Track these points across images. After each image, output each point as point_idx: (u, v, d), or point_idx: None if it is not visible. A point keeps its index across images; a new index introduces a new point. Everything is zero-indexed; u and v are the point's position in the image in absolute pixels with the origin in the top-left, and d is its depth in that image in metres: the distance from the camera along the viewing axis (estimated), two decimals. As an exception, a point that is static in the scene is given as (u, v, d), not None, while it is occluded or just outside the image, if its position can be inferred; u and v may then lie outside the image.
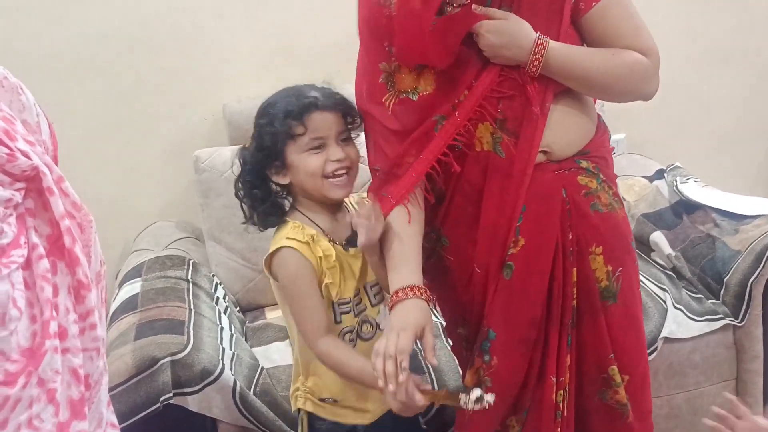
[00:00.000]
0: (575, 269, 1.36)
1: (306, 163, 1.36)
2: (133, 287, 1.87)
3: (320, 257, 1.37)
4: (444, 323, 1.63)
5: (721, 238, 1.98)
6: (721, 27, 2.65)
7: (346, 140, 1.41)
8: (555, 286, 1.36)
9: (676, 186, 2.23)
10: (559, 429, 1.41)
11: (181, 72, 2.24)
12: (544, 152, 1.34)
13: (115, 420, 0.93)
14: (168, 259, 1.99)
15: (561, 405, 1.40)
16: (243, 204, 1.45)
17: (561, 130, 1.34)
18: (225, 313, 1.90)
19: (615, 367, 1.40)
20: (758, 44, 2.72)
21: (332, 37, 2.25)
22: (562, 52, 1.28)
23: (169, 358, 1.56)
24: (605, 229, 1.38)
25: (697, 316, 1.89)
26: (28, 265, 0.78)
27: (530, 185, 1.33)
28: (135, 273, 1.95)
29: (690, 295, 1.96)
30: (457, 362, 1.71)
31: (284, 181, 1.40)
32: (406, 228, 1.34)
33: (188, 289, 1.85)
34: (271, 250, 1.40)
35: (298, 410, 1.50)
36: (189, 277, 1.92)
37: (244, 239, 2.04)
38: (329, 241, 1.40)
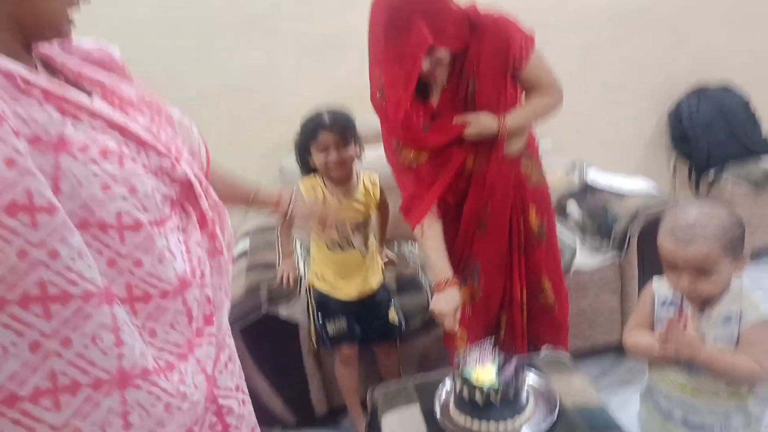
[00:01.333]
0: (521, 220, 1.48)
1: (317, 158, 1.61)
2: (245, 243, 2.01)
3: (313, 197, 1.62)
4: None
5: (611, 206, 2.04)
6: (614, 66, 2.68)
7: (345, 146, 1.60)
8: (513, 232, 1.48)
9: (583, 173, 2.29)
10: (523, 317, 1.55)
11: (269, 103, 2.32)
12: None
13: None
14: (265, 227, 2.11)
15: (522, 304, 1.54)
16: (297, 158, 1.71)
17: (514, 143, 1.44)
18: (301, 258, 1.97)
19: (546, 279, 1.53)
20: (641, 82, 2.74)
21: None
22: (515, 120, 1.38)
23: (266, 286, 1.69)
24: (536, 195, 1.49)
25: (595, 256, 1.97)
26: (185, 231, 0.83)
27: (494, 173, 1.42)
28: (245, 234, 2.09)
29: (592, 241, 2.04)
30: None
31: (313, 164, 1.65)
32: (437, 241, 1.45)
33: (277, 243, 1.91)
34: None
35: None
36: (278, 235, 1.97)
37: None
38: (328, 193, 1.64)
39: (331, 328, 1.68)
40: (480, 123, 1.37)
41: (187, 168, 0.84)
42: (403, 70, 1.25)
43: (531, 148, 1.50)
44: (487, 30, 1.31)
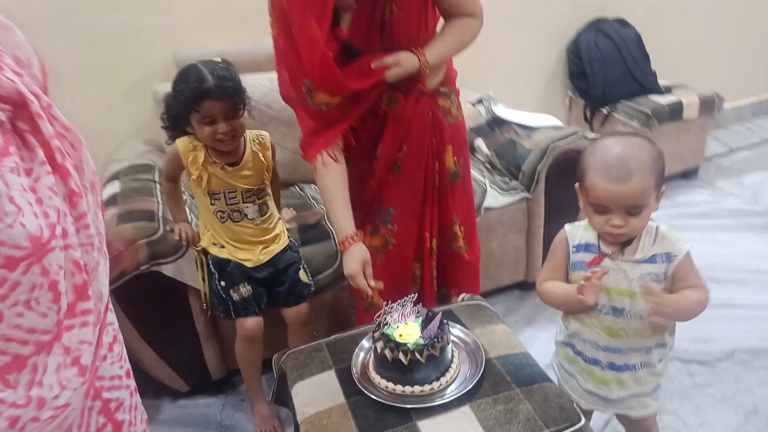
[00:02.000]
0: (437, 162, 1.36)
1: (201, 131, 1.35)
2: (114, 187, 1.69)
3: (190, 160, 1.39)
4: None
5: (520, 141, 1.99)
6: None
7: (233, 116, 1.35)
8: (428, 174, 1.35)
9: (491, 108, 2.22)
10: (434, 263, 1.45)
11: (139, 25, 1.97)
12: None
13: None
14: (139, 167, 1.81)
15: (433, 250, 1.44)
16: (164, 121, 1.42)
17: (433, 77, 1.30)
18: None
19: (457, 225, 1.44)
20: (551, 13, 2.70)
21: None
22: (434, 53, 1.24)
23: (145, 240, 1.44)
24: (453, 133, 1.37)
25: (505, 192, 1.92)
26: (29, 172, 0.65)
27: (411, 111, 1.29)
28: (114, 176, 1.76)
29: (501, 180, 1.98)
30: None
31: (190, 130, 1.38)
32: (339, 187, 1.29)
33: (155, 188, 1.70)
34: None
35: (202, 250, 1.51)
36: (155, 179, 1.75)
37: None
38: (211, 160, 1.40)
39: (236, 295, 1.47)
40: (402, 64, 1.22)
41: (16, 79, 0.64)
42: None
43: (449, 81, 1.37)
44: None
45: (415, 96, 1.29)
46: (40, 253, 0.62)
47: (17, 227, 0.59)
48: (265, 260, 1.50)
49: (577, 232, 1.13)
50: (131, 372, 0.83)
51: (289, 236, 1.59)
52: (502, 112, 2.18)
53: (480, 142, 2.13)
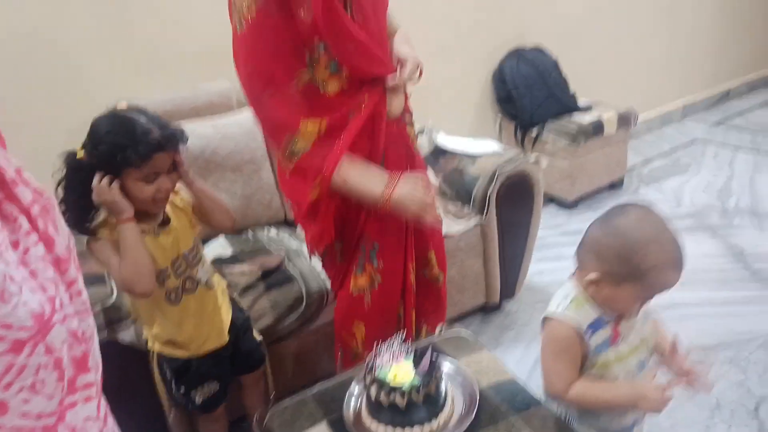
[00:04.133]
0: None
1: (141, 190, 1.14)
2: None
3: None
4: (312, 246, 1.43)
5: (465, 169, 2.04)
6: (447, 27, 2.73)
7: (174, 169, 1.19)
8: None
9: (433, 138, 2.27)
10: (413, 298, 1.42)
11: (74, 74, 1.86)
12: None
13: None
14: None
15: (413, 284, 1.41)
16: (65, 208, 1.12)
17: (396, 102, 1.30)
18: None
19: (431, 252, 1.44)
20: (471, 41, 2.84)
21: (192, 46, 2.01)
22: (412, 50, 1.32)
23: (100, 305, 1.35)
24: (421, 162, 1.41)
25: (459, 219, 1.95)
26: (17, 245, 0.60)
27: (387, 136, 1.28)
28: None
29: (453, 207, 2.01)
30: (321, 270, 1.57)
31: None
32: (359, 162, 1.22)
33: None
34: (87, 240, 1.17)
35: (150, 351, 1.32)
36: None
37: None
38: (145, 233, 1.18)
39: (200, 395, 1.32)
40: (412, 63, 1.26)
41: None
42: None
43: (407, 109, 1.39)
44: None
45: (386, 123, 1.27)
46: (44, 330, 0.58)
47: (21, 308, 0.56)
48: (225, 332, 1.35)
49: (576, 314, 1.03)
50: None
51: (229, 291, 1.44)
52: (444, 141, 2.24)
53: (428, 172, 2.16)
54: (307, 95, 1.19)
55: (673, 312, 2.02)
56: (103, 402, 0.74)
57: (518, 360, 1.90)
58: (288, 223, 2.01)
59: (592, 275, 0.99)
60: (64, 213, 1.04)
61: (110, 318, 1.35)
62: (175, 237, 1.24)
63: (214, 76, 1.94)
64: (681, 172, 3.18)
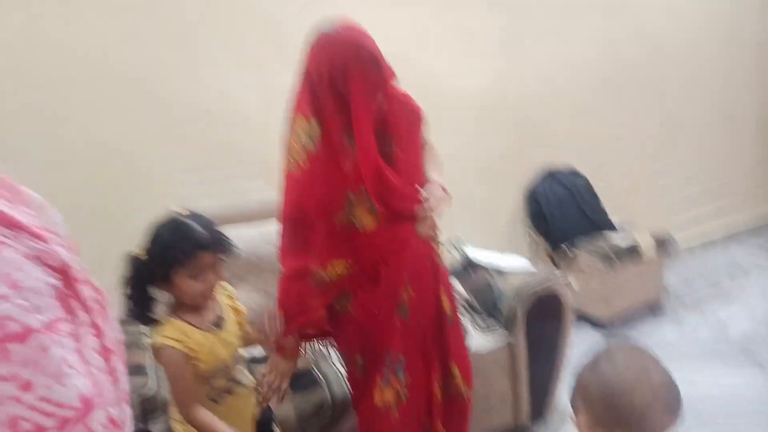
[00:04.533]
0: (439, 304, 1.42)
1: (188, 286, 1.23)
2: None
3: (192, 347, 1.24)
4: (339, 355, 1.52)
5: (495, 284, 2.07)
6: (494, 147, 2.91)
7: (220, 266, 1.29)
8: (433, 318, 1.40)
9: (463, 251, 2.35)
10: (438, 410, 1.43)
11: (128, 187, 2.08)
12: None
13: None
14: (124, 320, 1.78)
15: (438, 396, 1.42)
16: (128, 302, 1.23)
17: (432, 225, 1.42)
18: None
19: (454, 364, 1.45)
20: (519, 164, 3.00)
21: (247, 156, 2.21)
22: (439, 175, 1.46)
23: (137, 396, 1.41)
24: (444, 276, 1.46)
25: (488, 338, 1.94)
26: (74, 335, 0.68)
27: (415, 255, 1.36)
28: None
29: (480, 320, 2.02)
30: (344, 378, 1.62)
31: (165, 291, 1.25)
32: None
33: (144, 340, 1.62)
34: (151, 343, 1.25)
35: None
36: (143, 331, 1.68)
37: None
38: (197, 329, 1.26)
39: None
40: (439, 197, 1.38)
41: (61, 250, 0.70)
42: (370, 108, 1.19)
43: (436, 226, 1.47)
44: (396, 98, 1.34)
45: (416, 240, 1.37)
46: (87, 412, 0.64)
47: (72, 389, 0.63)
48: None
49: None
50: None
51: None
52: (474, 254, 2.31)
53: (457, 284, 2.20)
54: (344, 234, 1.30)
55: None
56: None
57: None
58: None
59: (582, 419, 0.98)
60: (128, 307, 1.21)
61: (145, 408, 1.40)
62: (228, 339, 1.31)
63: (263, 185, 2.13)
64: (724, 299, 3.10)
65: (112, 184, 2.05)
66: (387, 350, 1.35)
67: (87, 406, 0.65)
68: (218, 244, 1.27)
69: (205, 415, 1.25)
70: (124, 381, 0.78)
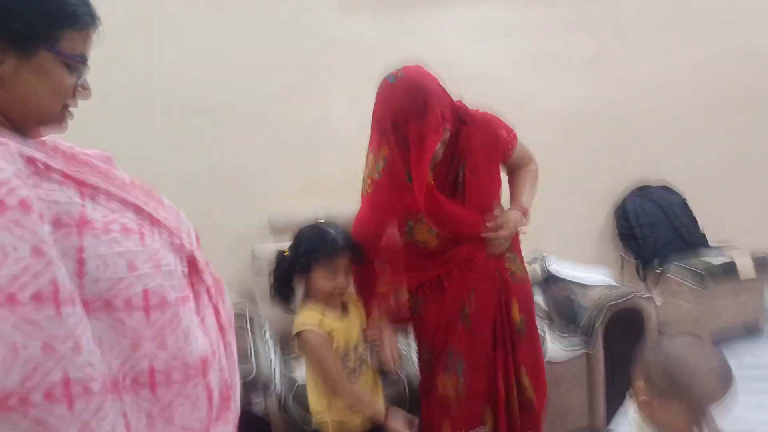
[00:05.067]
0: (506, 316, 1.50)
1: (323, 283, 1.43)
2: None
3: (329, 330, 1.42)
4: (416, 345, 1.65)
5: (576, 298, 2.12)
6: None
7: (349, 271, 1.47)
8: (497, 328, 1.49)
9: (545, 266, 2.40)
10: (508, 415, 1.53)
11: (238, 193, 2.35)
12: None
13: None
14: (234, 315, 2.02)
15: (514, 398, 1.52)
16: (273, 291, 1.50)
17: (503, 244, 1.51)
18: (272, 349, 1.95)
19: (525, 376, 1.53)
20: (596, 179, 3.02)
21: (347, 174, 2.40)
22: (527, 201, 1.55)
23: (241, 379, 1.64)
24: (518, 290, 1.53)
25: (565, 348, 2.01)
26: (199, 312, 0.83)
27: (479, 270, 1.48)
28: None
29: (560, 334, 2.08)
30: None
31: (303, 284, 1.47)
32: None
33: (247, 334, 1.88)
34: (294, 333, 1.43)
35: None
36: (247, 326, 1.95)
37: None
38: (328, 316, 1.44)
39: None
40: (512, 222, 1.49)
41: (189, 244, 0.85)
42: (424, 150, 1.31)
43: (514, 245, 1.57)
44: (476, 123, 1.46)
45: (483, 257, 1.49)
46: (206, 370, 0.79)
47: (195, 352, 0.78)
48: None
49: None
50: None
51: None
52: (557, 269, 2.35)
53: (538, 296, 2.27)
54: (407, 247, 1.48)
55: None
56: None
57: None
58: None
59: (644, 396, 1.07)
60: (272, 293, 1.49)
61: (247, 390, 1.59)
62: (353, 324, 1.51)
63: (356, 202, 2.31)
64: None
65: (222, 199, 2.33)
66: (450, 348, 1.49)
67: (205, 367, 0.80)
68: (353, 250, 1.48)
69: (356, 389, 1.47)
70: (235, 353, 0.94)
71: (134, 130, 2.15)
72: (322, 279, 1.44)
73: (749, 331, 2.85)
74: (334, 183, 2.25)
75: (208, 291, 0.87)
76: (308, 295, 1.48)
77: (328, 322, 1.44)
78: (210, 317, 0.86)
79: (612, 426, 1.16)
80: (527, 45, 2.74)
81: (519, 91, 2.70)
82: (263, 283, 2.13)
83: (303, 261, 1.43)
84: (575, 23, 2.81)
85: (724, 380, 1.02)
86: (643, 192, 2.99)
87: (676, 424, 1.06)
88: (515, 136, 1.54)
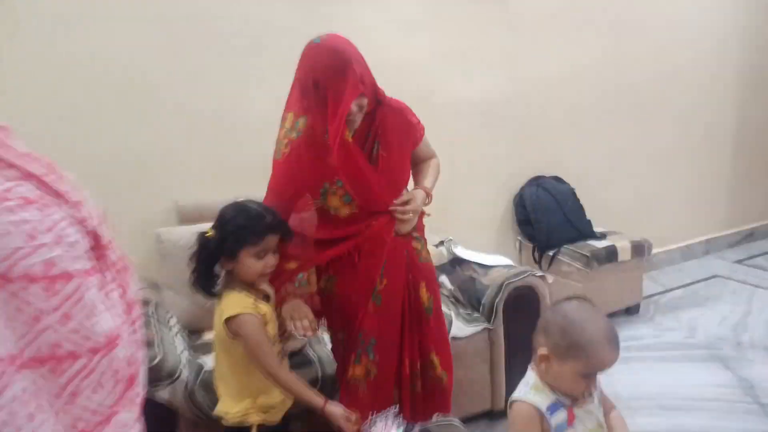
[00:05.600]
0: (413, 295, 1.54)
1: (252, 264, 1.38)
2: None
3: (263, 313, 1.40)
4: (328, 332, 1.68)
5: (478, 278, 2.24)
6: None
7: (276, 251, 1.43)
8: (405, 306, 1.53)
9: (451, 249, 2.51)
10: (414, 392, 1.56)
11: (143, 176, 2.24)
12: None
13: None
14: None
15: (416, 375, 1.56)
16: (194, 275, 1.40)
17: (407, 226, 1.56)
18: (177, 335, 1.88)
19: (434, 353, 1.58)
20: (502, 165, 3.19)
21: (258, 160, 2.33)
22: (430, 185, 1.62)
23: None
24: (425, 271, 1.58)
25: (468, 324, 2.11)
26: (103, 287, 0.80)
27: (389, 248, 1.51)
28: None
29: (464, 312, 2.19)
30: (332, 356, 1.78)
31: (229, 267, 1.41)
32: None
33: (152, 321, 1.80)
34: (229, 315, 1.36)
35: (247, 426, 1.42)
36: (151, 312, 1.87)
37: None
38: (258, 301, 1.41)
39: None
40: (417, 201, 1.54)
41: (92, 219, 0.83)
42: (341, 104, 1.33)
43: (419, 230, 1.64)
44: (391, 107, 1.53)
45: (392, 236, 1.53)
46: (111, 346, 0.77)
47: (99, 326, 0.76)
48: None
49: (538, 398, 1.18)
50: None
51: None
52: (462, 252, 2.47)
53: (444, 279, 2.38)
54: (319, 215, 1.51)
55: (674, 435, 2.08)
56: (140, 425, 0.93)
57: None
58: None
59: (543, 350, 1.16)
60: (193, 280, 1.39)
61: (150, 377, 1.52)
62: (274, 311, 1.48)
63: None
64: (698, 305, 3.27)
65: (127, 181, 2.21)
66: (361, 330, 1.52)
67: (111, 342, 0.78)
68: (284, 229, 1.43)
69: (289, 374, 1.43)
70: (141, 332, 0.92)
71: (37, 109, 2.02)
72: (251, 260, 1.39)
73: (628, 311, 3.16)
74: (244, 168, 2.22)
75: (112, 268, 0.85)
76: (233, 278, 1.43)
77: (260, 306, 1.41)
78: (115, 294, 0.84)
79: (516, 393, 1.22)
80: (439, 39, 2.84)
81: (429, 81, 2.80)
82: (169, 268, 2.08)
83: (231, 242, 1.36)
84: (486, 20, 2.95)
85: (615, 346, 1.12)
86: (538, 182, 3.21)
87: (569, 383, 1.16)
88: (423, 127, 1.64)
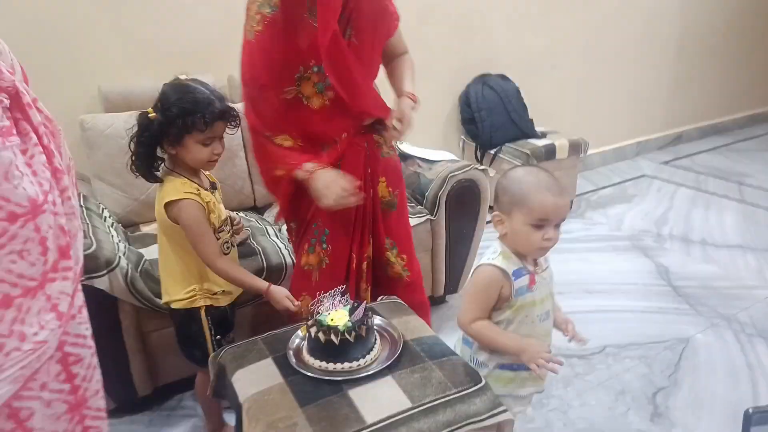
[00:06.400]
0: (372, 191, 1.52)
1: (199, 151, 1.32)
2: None
3: (207, 201, 1.36)
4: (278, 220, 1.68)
5: (423, 173, 2.25)
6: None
7: (223, 135, 1.37)
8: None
9: (397, 145, 2.52)
10: (363, 284, 1.57)
11: (65, 59, 2.06)
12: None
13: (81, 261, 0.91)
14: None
15: (363, 272, 1.57)
16: (134, 159, 1.32)
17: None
18: (112, 226, 1.82)
19: (391, 252, 1.58)
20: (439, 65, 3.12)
21: (185, 43, 2.20)
22: (411, 86, 1.56)
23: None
24: (387, 166, 1.55)
25: (412, 216, 2.08)
26: (25, 151, 0.77)
27: (347, 144, 1.47)
28: None
29: (409, 206, 2.13)
30: (280, 250, 1.83)
31: (172, 152, 1.33)
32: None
33: (83, 211, 1.72)
34: (169, 199, 1.31)
35: (195, 308, 1.43)
36: (81, 203, 1.77)
37: (122, 177, 1.93)
38: (202, 189, 1.38)
39: (226, 344, 1.40)
40: (408, 112, 1.48)
41: (11, 76, 0.77)
42: None
43: (382, 121, 1.56)
44: None
45: (355, 129, 1.49)
46: (35, 212, 0.75)
47: (20, 189, 0.72)
48: None
49: (505, 263, 1.21)
50: (93, 336, 0.93)
51: None
52: (407, 148, 2.46)
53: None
54: (292, 105, 1.39)
55: (598, 315, 2.26)
56: (81, 295, 0.91)
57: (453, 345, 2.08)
58: (256, 208, 2.22)
59: (495, 214, 1.22)
60: (134, 163, 1.31)
61: (87, 266, 1.47)
62: (220, 199, 1.45)
63: (203, 72, 2.14)
64: (626, 202, 3.46)
65: (45, 61, 2.02)
66: (314, 220, 1.51)
67: (35, 208, 0.74)
68: (232, 116, 1.35)
69: (229, 263, 1.41)
70: (74, 200, 0.87)
71: None
72: (197, 147, 1.32)
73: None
74: (177, 54, 2.06)
75: (36, 131, 0.79)
76: (177, 163, 1.36)
77: (204, 193, 1.37)
78: (40, 157, 0.79)
79: (483, 259, 1.26)
80: None
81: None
82: (97, 159, 1.97)
83: (177, 127, 1.28)
84: None
85: (555, 192, 1.16)
86: (483, 80, 3.18)
87: (525, 238, 1.18)
88: (399, 17, 1.52)
